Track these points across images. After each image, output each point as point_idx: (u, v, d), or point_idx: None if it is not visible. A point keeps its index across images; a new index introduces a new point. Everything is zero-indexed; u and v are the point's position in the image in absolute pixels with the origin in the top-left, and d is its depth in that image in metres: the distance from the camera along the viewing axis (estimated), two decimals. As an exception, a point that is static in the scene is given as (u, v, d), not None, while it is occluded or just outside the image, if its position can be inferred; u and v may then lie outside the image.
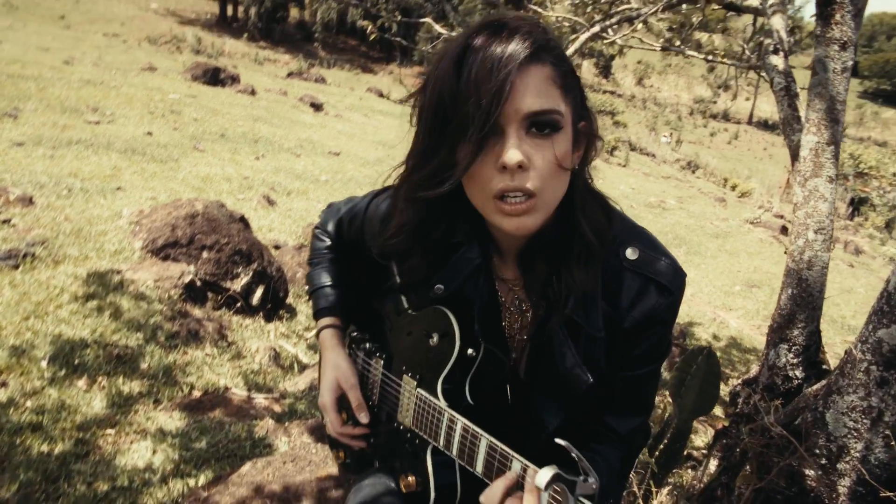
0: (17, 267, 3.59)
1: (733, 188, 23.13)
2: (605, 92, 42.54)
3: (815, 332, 2.61)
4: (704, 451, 2.78)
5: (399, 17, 6.40)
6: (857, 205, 21.42)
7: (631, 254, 1.07)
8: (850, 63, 2.46)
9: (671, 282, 1.07)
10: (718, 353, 6.49)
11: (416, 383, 1.19)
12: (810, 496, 2.13)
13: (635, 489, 2.01)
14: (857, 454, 2.00)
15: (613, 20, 4.30)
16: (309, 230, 6.64)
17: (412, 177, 1.02)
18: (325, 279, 1.40)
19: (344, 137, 13.99)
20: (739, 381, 2.89)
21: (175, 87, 13.69)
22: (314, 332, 1.38)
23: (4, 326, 3.00)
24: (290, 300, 4.81)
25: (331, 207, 1.44)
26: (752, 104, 49.40)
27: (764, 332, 3.13)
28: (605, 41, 4.19)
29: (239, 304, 4.26)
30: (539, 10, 4.45)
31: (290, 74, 23.01)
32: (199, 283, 4.06)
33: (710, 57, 3.82)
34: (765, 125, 47.38)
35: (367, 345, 1.36)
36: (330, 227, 1.42)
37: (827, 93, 2.45)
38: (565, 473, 0.88)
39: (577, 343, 1.08)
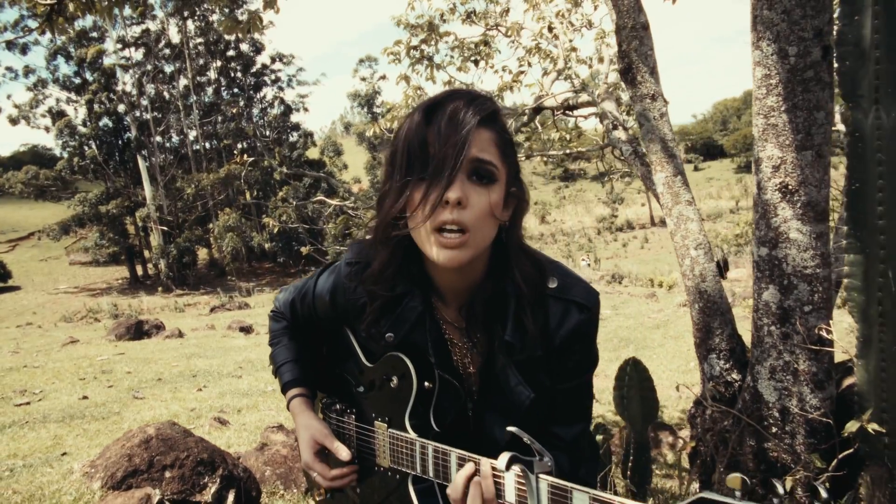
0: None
1: (660, 285, 24.16)
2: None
3: (733, 334, 2.87)
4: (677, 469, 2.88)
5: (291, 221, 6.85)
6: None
7: (552, 283, 1.27)
8: (664, 109, 2.95)
9: (587, 300, 1.27)
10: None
11: (386, 426, 1.34)
12: (778, 467, 2.27)
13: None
14: (796, 409, 2.20)
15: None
16: (266, 435, 6.58)
17: (387, 217, 1.19)
18: (287, 356, 1.56)
19: (280, 347, 13.98)
20: (692, 406, 3.08)
21: (101, 350, 13.60)
22: (286, 402, 1.51)
23: None
24: (264, 500, 4.70)
25: (283, 292, 1.63)
26: (649, 207, 52.74)
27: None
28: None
29: (214, 515, 4.14)
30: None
31: (213, 309, 23.20)
32: (167, 503, 3.97)
33: (567, 151, 4.38)
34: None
35: (338, 405, 1.51)
36: (284, 309, 1.59)
37: (656, 136, 2.90)
38: (521, 456, 1.05)
39: (519, 365, 1.27)
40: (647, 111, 2.92)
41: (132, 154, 39.59)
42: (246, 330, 16.70)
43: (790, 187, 2.05)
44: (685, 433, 5.75)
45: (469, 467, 1.12)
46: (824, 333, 2.09)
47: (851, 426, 1.75)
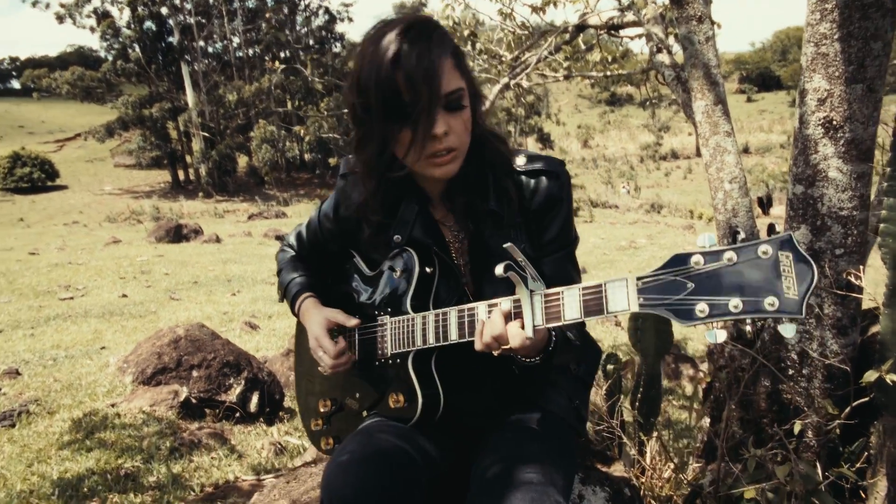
0: (13, 426, 3.66)
1: (700, 217, 23.73)
2: (553, 162, 43.80)
3: (760, 272, 2.78)
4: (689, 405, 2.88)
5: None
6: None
7: (520, 161, 1.43)
8: (711, 33, 2.77)
9: (555, 168, 1.42)
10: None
11: (389, 316, 1.43)
12: (790, 409, 2.24)
13: (627, 441, 2.11)
14: (816, 353, 2.14)
15: (518, 70, 4.69)
16: (293, 341, 6.77)
17: (372, 160, 1.33)
18: (294, 274, 1.65)
19: (314, 258, 14.25)
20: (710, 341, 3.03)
21: (141, 251, 14.00)
22: (296, 311, 1.62)
23: (9, 477, 3.05)
24: (287, 402, 4.87)
25: (292, 231, 1.76)
26: (695, 137, 51.15)
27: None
28: (514, 85, 4.55)
29: (238, 414, 4.32)
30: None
31: (251, 217, 23.58)
32: (194, 401, 4.14)
33: (607, 73, 4.19)
34: (711, 154, 48.73)
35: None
36: (292, 240, 1.73)
37: (699, 62, 2.74)
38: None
39: (505, 234, 1.40)
40: (693, 34, 2.75)
41: (175, 59, 39.46)
42: (281, 238, 16.93)
43: (835, 122, 1.92)
44: (707, 366, 5.75)
45: (484, 306, 1.24)
46: (853, 279, 2.00)
47: (870, 375, 1.70)
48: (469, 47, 5.71)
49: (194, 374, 4.32)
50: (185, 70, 38.61)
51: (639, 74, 4.16)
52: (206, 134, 37.71)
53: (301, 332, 1.70)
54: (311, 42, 45.86)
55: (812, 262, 0.87)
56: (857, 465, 1.85)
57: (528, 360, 1.25)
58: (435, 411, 1.39)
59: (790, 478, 1.53)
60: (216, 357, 4.45)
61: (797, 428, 1.86)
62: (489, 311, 1.22)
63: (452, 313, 1.28)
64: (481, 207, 1.39)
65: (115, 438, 3.40)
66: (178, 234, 15.90)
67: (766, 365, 2.16)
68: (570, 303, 1.08)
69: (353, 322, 1.50)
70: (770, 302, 0.87)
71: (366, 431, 1.36)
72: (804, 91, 1.99)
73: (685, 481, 2.04)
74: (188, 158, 40.52)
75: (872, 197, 2.15)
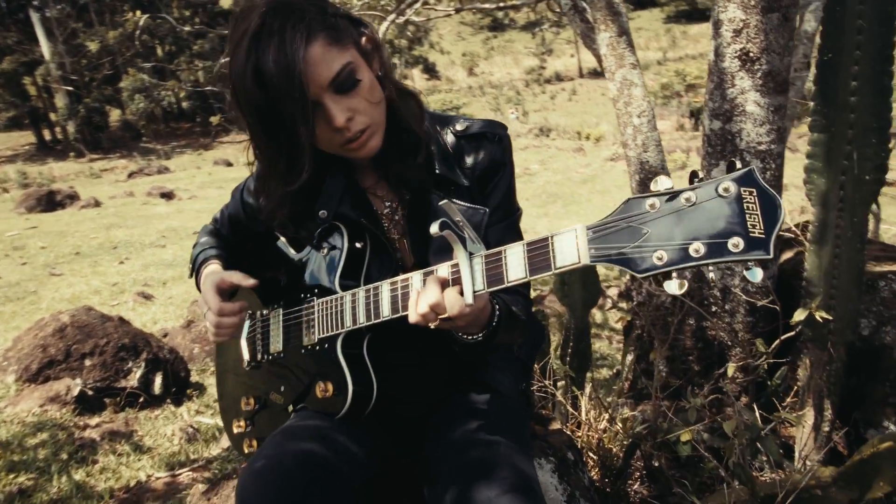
0: None
1: (587, 138, 24.23)
2: (440, 91, 43.47)
3: (673, 206, 2.76)
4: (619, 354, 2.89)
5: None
6: (698, 114, 22.98)
7: (459, 126, 1.31)
8: (613, -40, 2.64)
9: (496, 130, 1.31)
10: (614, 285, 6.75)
11: (316, 298, 1.29)
12: (715, 345, 2.25)
13: (561, 398, 2.06)
14: (737, 289, 2.14)
15: (405, 5, 4.42)
16: (193, 310, 6.40)
17: (274, 177, 1.20)
18: (207, 245, 1.50)
19: (205, 215, 13.52)
20: (628, 279, 3.03)
21: (10, 224, 12.82)
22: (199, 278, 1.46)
23: None
24: (194, 377, 4.60)
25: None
26: (578, 58, 51.92)
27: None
28: (405, 20, 4.29)
29: (142, 399, 4.02)
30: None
31: (131, 175, 22.12)
32: (90, 393, 3.81)
33: (501, 4, 4.01)
34: (595, 73, 49.91)
35: (263, 311, 1.44)
36: (213, 218, 1.57)
37: (602, -9, 2.61)
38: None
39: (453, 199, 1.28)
40: (593, -38, 2.61)
41: (22, 5, 35.63)
42: (167, 196, 16.02)
43: (751, 54, 1.84)
44: (626, 304, 5.90)
45: (420, 276, 1.11)
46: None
47: (800, 313, 1.69)
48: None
49: (87, 363, 3.97)
50: (34, 17, 34.97)
51: (531, 2, 3.99)
52: (70, 88, 34.61)
53: None
54: (175, -21, 42.57)
55: (778, 197, 0.78)
56: (788, 401, 1.86)
57: (469, 336, 1.11)
58: (368, 401, 1.25)
59: (734, 432, 1.50)
60: (109, 341, 4.10)
61: (731, 370, 1.85)
62: (424, 280, 1.08)
63: (384, 287, 1.14)
64: (418, 173, 1.26)
65: (2, 449, 3.07)
66: (51, 201, 14.64)
67: (691, 305, 2.14)
68: (514, 261, 0.96)
69: (249, 282, 1.34)
70: (734, 243, 0.78)
71: (285, 432, 1.21)
72: (718, 22, 1.90)
73: (621, 432, 2.02)
74: (52, 116, 37.22)
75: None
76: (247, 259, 1.50)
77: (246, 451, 1.49)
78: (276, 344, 1.38)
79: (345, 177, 1.30)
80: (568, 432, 1.96)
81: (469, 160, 1.30)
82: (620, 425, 2.09)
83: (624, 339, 2.91)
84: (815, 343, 1.77)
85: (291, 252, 1.42)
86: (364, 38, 1.17)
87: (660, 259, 0.83)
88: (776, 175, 1.99)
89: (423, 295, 1.03)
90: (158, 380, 4.19)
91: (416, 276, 1.10)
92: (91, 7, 38.86)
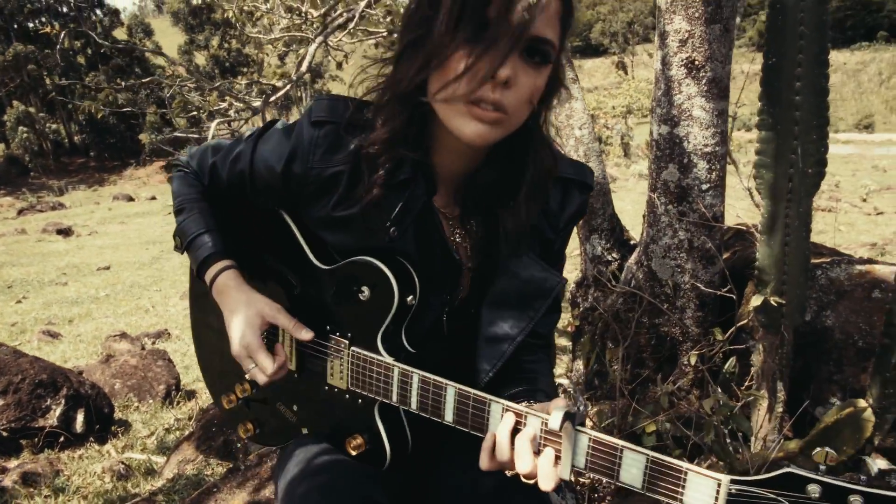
0: None
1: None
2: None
3: (613, 215, 2.90)
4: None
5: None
6: (602, 143, 24.08)
7: None
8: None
9: (587, 180, 1.16)
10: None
11: (347, 342, 1.10)
12: (668, 340, 2.36)
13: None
14: (688, 284, 2.26)
15: (335, 27, 4.44)
16: (108, 345, 6.05)
17: (416, 76, 0.95)
18: (204, 224, 1.20)
19: (108, 250, 12.93)
20: (573, 287, 3.13)
21: None
22: (208, 281, 1.18)
23: None
24: (118, 414, 4.34)
25: (194, 148, 1.28)
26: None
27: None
28: (333, 47, 4.31)
29: (62, 439, 3.76)
30: (258, 35, 4.47)
31: (21, 212, 20.80)
32: (5, 434, 3.53)
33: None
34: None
35: None
36: (200, 170, 1.24)
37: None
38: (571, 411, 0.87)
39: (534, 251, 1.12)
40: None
41: None
42: (65, 232, 15.16)
43: (696, 62, 1.99)
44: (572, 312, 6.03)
45: (511, 420, 0.91)
46: (720, 209, 2.12)
47: (756, 300, 1.81)
48: (270, 3, 5.34)
49: (0, 402, 3.68)
50: None
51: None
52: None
53: (200, 286, 1.25)
54: (66, 10, 40.85)
55: None
56: (745, 385, 1.98)
57: None
58: (403, 456, 1.13)
59: (712, 409, 1.58)
60: (24, 378, 3.82)
61: (693, 359, 1.94)
62: (512, 433, 0.91)
63: (450, 393, 0.98)
64: (511, 225, 1.08)
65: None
66: (-70, 240, 13.56)
67: (651, 301, 2.24)
68: (631, 468, 0.83)
69: (306, 335, 1.11)
70: None
71: (323, 489, 1.05)
72: (665, 33, 2.03)
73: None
74: (-74, 151, 34.71)
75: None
76: (232, 225, 1.25)
77: (243, 434, 1.35)
78: (289, 363, 1.19)
79: (426, 193, 1.07)
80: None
81: (555, 207, 1.14)
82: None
83: (573, 345, 2.99)
84: (769, 328, 1.89)
85: (311, 257, 1.15)
86: (558, 68, 1.01)
87: None
88: (720, 175, 2.13)
89: (518, 460, 0.90)
90: (80, 417, 3.93)
91: (494, 405, 0.94)
92: (-29, 36, 36.80)
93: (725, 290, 2.04)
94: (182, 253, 1.24)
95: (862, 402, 1.55)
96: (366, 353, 1.07)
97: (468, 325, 1.14)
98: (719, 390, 1.62)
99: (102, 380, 4.76)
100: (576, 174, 1.15)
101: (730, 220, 2.57)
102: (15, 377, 3.82)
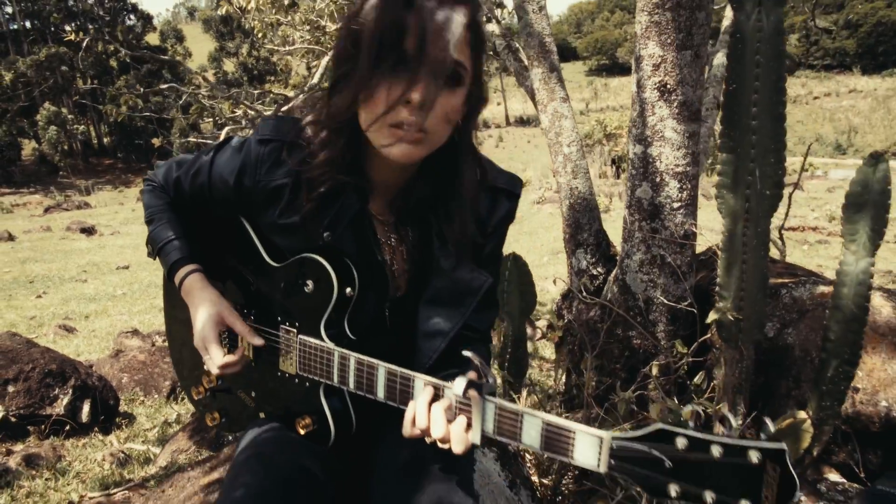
0: None
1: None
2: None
3: (599, 230, 2.98)
4: (552, 367, 3.05)
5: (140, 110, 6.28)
6: (619, 163, 24.06)
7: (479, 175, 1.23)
8: (543, 3, 2.89)
9: (514, 187, 1.28)
10: (548, 306, 6.98)
11: (296, 331, 1.22)
12: (640, 353, 2.44)
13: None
14: (659, 299, 2.34)
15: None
16: (119, 340, 6.23)
17: (346, 106, 1.06)
18: (173, 232, 1.35)
19: (128, 251, 13.21)
20: (559, 299, 3.21)
21: (-86, 257, 12.12)
22: (177, 283, 1.33)
23: None
24: (123, 407, 4.49)
25: (161, 166, 1.41)
26: (505, 106, 53.52)
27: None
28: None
29: (68, 427, 3.91)
30: (277, 48, 4.63)
31: (47, 210, 21.27)
32: (13, 419, 3.68)
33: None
34: (521, 121, 51.63)
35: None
36: (166, 184, 1.37)
37: (534, 31, 2.85)
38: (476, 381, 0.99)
39: (459, 255, 1.22)
40: (526, 3, 2.85)
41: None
42: (88, 231, 15.50)
43: (668, 86, 2.08)
44: (542, 324, 6.10)
45: (429, 392, 1.03)
46: (690, 228, 2.20)
47: (713, 314, 1.89)
48: (290, 17, 5.50)
49: (10, 389, 3.84)
50: (-54, 45, 33.53)
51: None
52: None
53: (172, 287, 1.42)
54: (101, 13, 41.78)
55: (797, 482, 0.82)
56: (706, 396, 2.05)
57: None
58: (348, 435, 1.25)
59: (663, 414, 1.66)
60: (35, 367, 3.98)
61: (655, 370, 2.02)
62: (430, 404, 1.02)
63: (381, 372, 1.10)
64: (443, 231, 1.20)
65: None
66: (-41, 234, 13.95)
67: (621, 314, 2.32)
68: (530, 430, 0.95)
69: (257, 341, 1.26)
70: None
71: (260, 458, 1.16)
72: (640, 57, 2.13)
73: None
74: (-40, 148, 35.46)
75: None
76: (197, 231, 1.39)
77: (210, 423, 1.48)
78: (247, 354, 1.33)
79: (359, 200, 1.18)
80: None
81: (483, 213, 1.25)
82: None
83: (556, 355, 3.07)
84: (728, 342, 1.97)
85: (264, 253, 1.29)
86: (476, 87, 1.11)
87: (674, 492, 0.85)
88: (691, 195, 2.22)
89: (433, 426, 1.00)
90: (86, 407, 4.08)
91: (417, 381, 1.06)
92: (8, 35, 37.64)
93: (686, 304, 2.12)
94: (154, 259, 1.39)
95: (802, 414, 1.63)
96: (312, 339, 1.19)
97: (409, 321, 1.25)
98: (667, 399, 1.70)
99: (111, 373, 4.92)
100: (506, 184, 1.27)
101: (714, 240, 2.65)
102: (26, 366, 3.98)
